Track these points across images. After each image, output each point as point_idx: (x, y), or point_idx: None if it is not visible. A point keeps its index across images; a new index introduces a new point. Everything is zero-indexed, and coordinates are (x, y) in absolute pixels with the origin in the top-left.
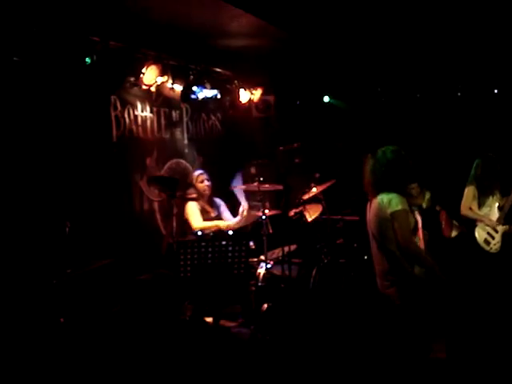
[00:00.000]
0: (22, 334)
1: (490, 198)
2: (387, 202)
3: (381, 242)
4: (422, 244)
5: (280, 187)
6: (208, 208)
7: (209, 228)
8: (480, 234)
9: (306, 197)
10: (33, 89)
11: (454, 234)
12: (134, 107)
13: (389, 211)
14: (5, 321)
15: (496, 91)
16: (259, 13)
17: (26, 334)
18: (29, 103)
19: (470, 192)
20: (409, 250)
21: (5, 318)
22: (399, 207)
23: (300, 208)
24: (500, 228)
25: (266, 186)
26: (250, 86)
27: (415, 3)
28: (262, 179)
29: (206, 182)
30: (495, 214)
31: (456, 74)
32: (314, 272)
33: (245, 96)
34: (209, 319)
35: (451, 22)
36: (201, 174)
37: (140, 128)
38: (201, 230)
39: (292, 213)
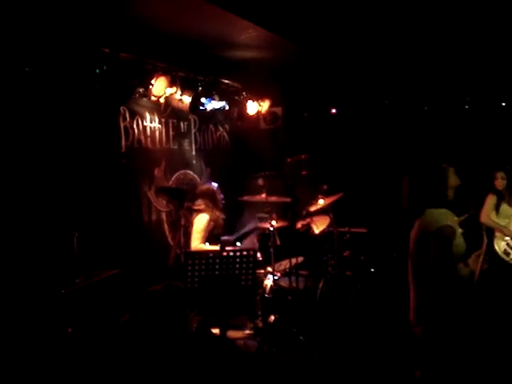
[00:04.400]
0: (31, 343)
1: (509, 209)
2: (437, 215)
3: (417, 264)
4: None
5: (287, 199)
6: (220, 220)
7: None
8: (499, 244)
9: (313, 209)
10: (44, 99)
11: None
12: (143, 118)
13: (435, 226)
14: (13, 330)
15: (504, 104)
16: (268, 25)
17: (34, 344)
18: (40, 113)
19: (490, 201)
20: (442, 281)
21: (13, 328)
22: (447, 222)
23: (307, 220)
24: None
25: (274, 197)
26: (258, 97)
27: (424, 18)
28: (269, 191)
29: (221, 195)
30: None
31: (464, 87)
32: (320, 284)
33: (253, 107)
34: (215, 330)
35: (460, 36)
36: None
37: (149, 139)
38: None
39: (299, 225)
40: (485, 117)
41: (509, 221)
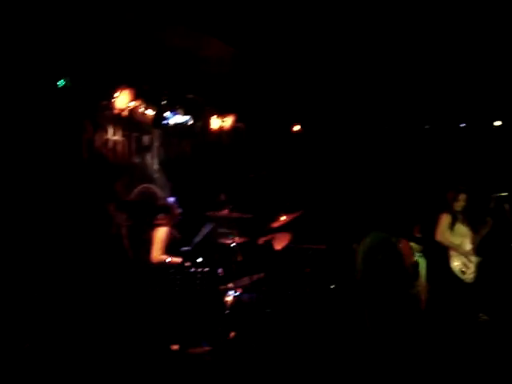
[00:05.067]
0: None
1: (464, 229)
2: None
3: None
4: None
5: (249, 215)
6: (177, 234)
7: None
8: (455, 263)
9: (275, 225)
10: (5, 109)
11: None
12: (106, 131)
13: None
14: None
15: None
16: (230, 40)
17: None
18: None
19: (445, 221)
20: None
21: None
22: None
23: (269, 236)
24: (474, 258)
25: (236, 213)
26: (222, 112)
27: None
28: (231, 206)
29: (179, 210)
30: (468, 245)
31: (460, 107)
32: (281, 300)
33: (216, 123)
34: (175, 346)
35: (458, 51)
36: (176, 201)
37: (110, 152)
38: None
39: (261, 241)
40: (444, 136)
41: (462, 239)
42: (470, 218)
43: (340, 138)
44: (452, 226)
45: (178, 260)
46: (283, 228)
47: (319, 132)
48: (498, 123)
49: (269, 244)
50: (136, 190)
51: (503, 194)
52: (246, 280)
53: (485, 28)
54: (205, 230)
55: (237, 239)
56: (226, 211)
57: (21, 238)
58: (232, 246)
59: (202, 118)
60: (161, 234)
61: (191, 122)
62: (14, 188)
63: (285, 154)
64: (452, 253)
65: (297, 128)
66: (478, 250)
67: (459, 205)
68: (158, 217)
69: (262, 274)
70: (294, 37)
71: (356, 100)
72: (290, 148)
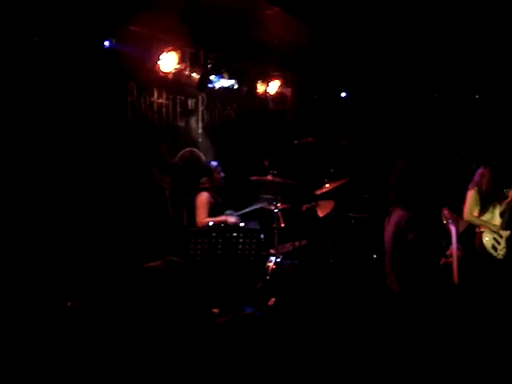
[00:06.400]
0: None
1: (492, 204)
2: None
3: None
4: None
5: (292, 181)
6: (219, 199)
7: (216, 222)
8: (486, 238)
9: (318, 192)
10: (51, 71)
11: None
12: (151, 94)
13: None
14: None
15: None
16: (283, 5)
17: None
18: (46, 84)
19: (472, 198)
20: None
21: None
22: None
23: (312, 203)
24: (504, 233)
25: (279, 179)
26: (268, 78)
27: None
28: (275, 172)
29: (222, 174)
30: (497, 221)
31: (475, 77)
32: (323, 268)
33: (262, 88)
34: (215, 310)
35: (472, 25)
36: (218, 165)
37: (155, 115)
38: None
39: (304, 207)
40: (495, 108)
41: (491, 215)
42: (497, 193)
43: (387, 107)
44: (480, 203)
45: (234, 220)
46: (327, 195)
47: (366, 99)
48: None
49: (312, 211)
50: (180, 154)
51: None
52: (288, 246)
53: None
54: (255, 206)
55: (280, 205)
56: (269, 177)
57: (65, 198)
58: (275, 211)
59: (247, 83)
60: (204, 198)
61: (236, 86)
62: (60, 149)
63: (331, 121)
64: (482, 229)
65: (344, 94)
66: (507, 224)
67: (486, 180)
68: (201, 180)
69: (304, 241)
70: (343, 4)
71: (404, 68)
72: (336, 115)
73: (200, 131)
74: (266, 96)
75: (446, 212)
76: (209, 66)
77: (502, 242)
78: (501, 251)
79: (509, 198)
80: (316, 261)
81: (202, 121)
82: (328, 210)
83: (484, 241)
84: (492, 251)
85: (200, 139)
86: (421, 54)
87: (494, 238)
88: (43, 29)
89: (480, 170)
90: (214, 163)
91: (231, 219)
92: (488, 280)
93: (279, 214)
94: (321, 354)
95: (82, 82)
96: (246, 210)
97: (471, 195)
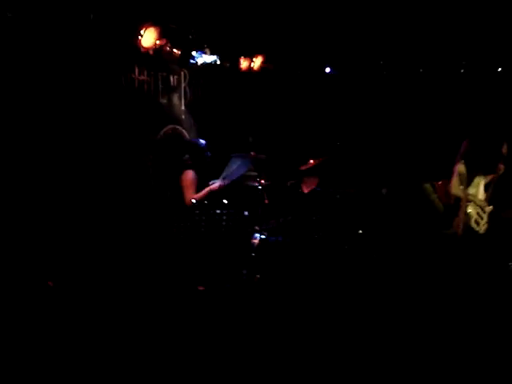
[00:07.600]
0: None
1: (477, 177)
2: None
3: None
4: None
5: (276, 157)
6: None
7: (203, 195)
8: (472, 213)
9: (303, 168)
10: (29, 47)
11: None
12: (131, 70)
13: None
14: None
15: (499, 70)
16: None
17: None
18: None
19: (460, 171)
20: None
21: None
22: None
23: (297, 179)
24: (487, 209)
25: (262, 155)
26: (251, 53)
27: None
28: (258, 148)
29: (208, 153)
30: (482, 194)
31: (460, 51)
32: (308, 244)
33: (245, 63)
34: (201, 287)
35: None
36: (206, 144)
37: (136, 92)
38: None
39: (289, 183)
40: (478, 82)
41: (477, 189)
42: (484, 166)
43: (370, 82)
44: (467, 176)
45: (217, 184)
46: (311, 171)
47: (352, 74)
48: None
49: (297, 187)
50: (162, 131)
51: None
52: (272, 223)
53: None
54: (241, 170)
55: (263, 181)
56: (252, 153)
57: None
58: (259, 188)
59: (229, 59)
60: (189, 176)
61: (218, 62)
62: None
63: (314, 97)
64: (467, 203)
65: (328, 70)
66: (490, 199)
67: (473, 153)
68: (184, 158)
69: (289, 217)
70: None
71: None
72: (320, 91)
73: (183, 108)
74: (248, 72)
75: None
76: (190, 41)
77: (485, 216)
78: (483, 226)
79: (496, 173)
80: (301, 237)
81: (185, 97)
82: (313, 186)
83: (467, 214)
84: (474, 225)
85: (183, 116)
86: (405, 28)
87: (478, 213)
88: (22, 3)
89: (465, 142)
90: (202, 142)
91: (215, 185)
92: (468, 254)
93: (263, 190)
94: (303, 330)
95: (64, 58)
96: (233, 176)
97: (458, 168)
